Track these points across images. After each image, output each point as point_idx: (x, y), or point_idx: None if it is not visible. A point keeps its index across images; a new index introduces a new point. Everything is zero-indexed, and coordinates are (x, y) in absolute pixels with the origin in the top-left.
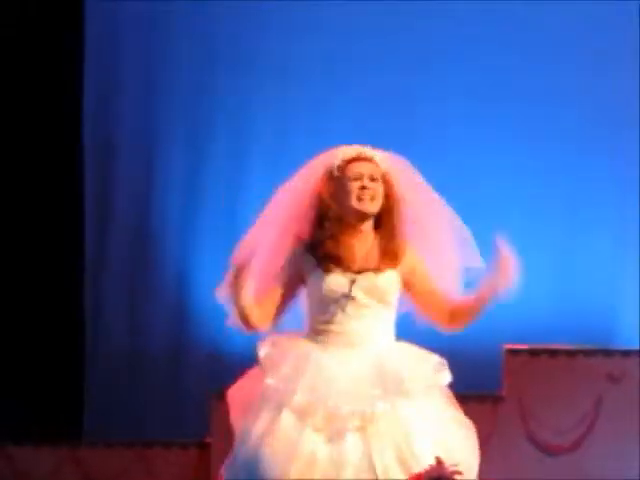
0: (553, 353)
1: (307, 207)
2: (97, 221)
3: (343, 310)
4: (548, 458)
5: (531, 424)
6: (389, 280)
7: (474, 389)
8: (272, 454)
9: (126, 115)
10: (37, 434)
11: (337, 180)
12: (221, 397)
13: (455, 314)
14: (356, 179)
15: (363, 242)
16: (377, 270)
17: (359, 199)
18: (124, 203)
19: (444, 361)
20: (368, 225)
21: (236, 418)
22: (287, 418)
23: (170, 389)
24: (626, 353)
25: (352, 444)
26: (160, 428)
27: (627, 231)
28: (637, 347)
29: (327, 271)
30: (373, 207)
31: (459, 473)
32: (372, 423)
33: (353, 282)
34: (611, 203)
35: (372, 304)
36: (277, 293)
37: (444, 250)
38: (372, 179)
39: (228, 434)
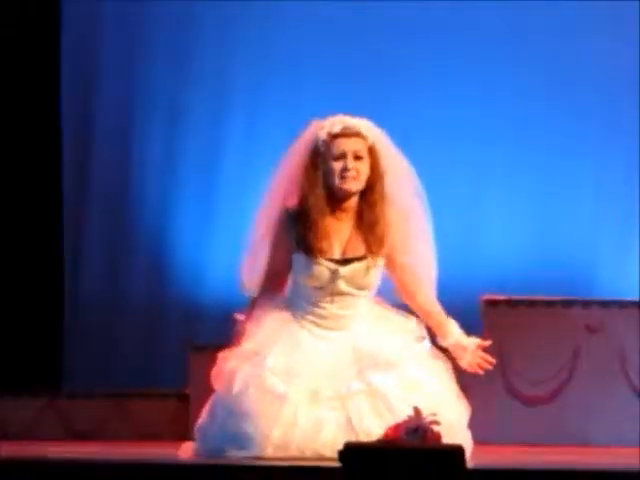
0: (531, 304)
1: (295, 180)
2: (76, 173)
3: (323, 298)
4: (526, 408)
5: (510, 375)
6: (372, 269)
7: None
8: (257, 410)
9: (106, 78)
10: (16, 384)
11: (322, 156)
12: (199, 349)
13: (420, 314)
14: (339, 158)
15: (347, 222)
16: (361, 259)
17: (342, 179)
18: (104, 156)
19: (422, 329)
20: (352, 202)
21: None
22: (270, 377)
23: (149, 340)
24: (604, 304)
25: (332, 413)
26: (139, 379)
27: (606, 182)
28: (616, 298)
29: (309, 257)
30: (356, 186)
31: (437, 423)
32: (350, 401)
33: (335, 274)
34: (591, 156)
35: (354, 292)
36: (279, 263)
37: (420, 234)
38: (356, 157)
39: (206, 385)
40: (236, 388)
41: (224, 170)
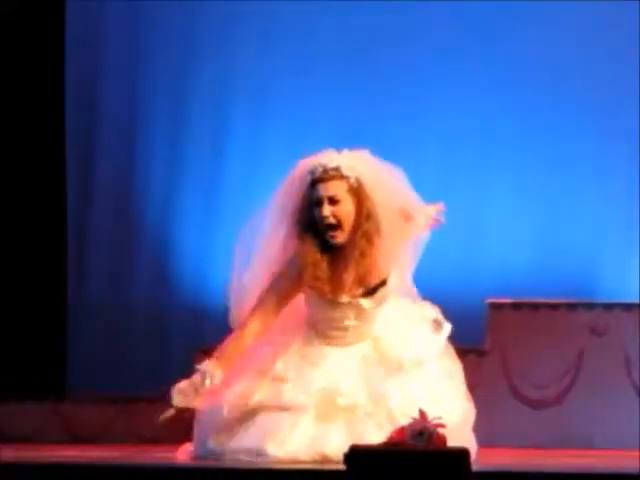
0: (536, 306)
1: (293, 223)
2: (80, 178)
3: (341, 327)
4: (531, 411)
5: (514, 378)
6: (383, 293)
7: (457, 343)
8: (274, 428)
9: (109, 78)
10: (21, 389)
11: (310, 204)
12: (205, 353)
13: None
14: (318, 205)
15: (351, 257)
16: (370, 293)
17: (324, 230)
18: (107, 157)
19: (439, 316)
20: (351, 238)
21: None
22: (287, 392)
23: (154, 345)
24: (608, 306)
25: (339, 427)
26: (144, 383)
27: (609, 186)
28: (619, 301)
29: (321, 299)
30: (340, 237)
31: (442, 426)
32: (360, 407)
33: (358, 308)
34: (593, 160)
35: (370, 312)
36: (272, 302)
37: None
38: (333, 201)
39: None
40: (252, 402)
41: (228, 172)
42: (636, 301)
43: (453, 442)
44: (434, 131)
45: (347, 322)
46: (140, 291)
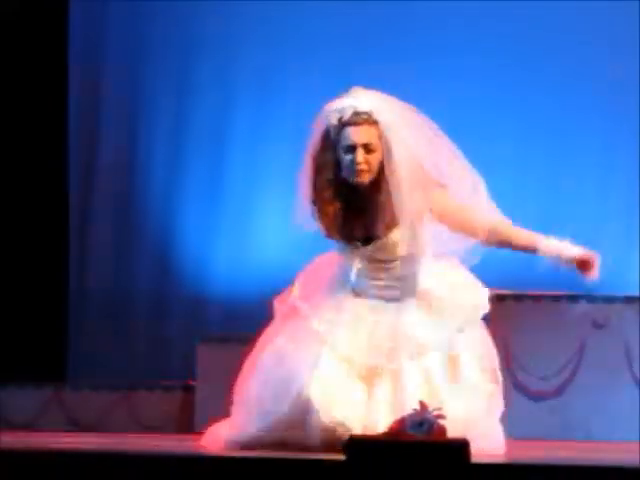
0: (537, 298)
1: (314, 169)
2: (82, 167)
3: (368, 274)
4: (531, 403)
5: (515, 369)
6: (401, 240)
7: None
8: (321, 394)
9: (111, 70)
10: (21, 375)
11: (335, 144)
12: (205, 341)
13: (496, 235)
14: (349, 150)
15: (375, 201)
16: (388, 231)
17: (352, 172)
18: (109, 147)
19: (483, 299)
20: (371, 183)
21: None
22: (330, 361)
23: (154, 333)
24: (609, 299)
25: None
26: (144, 371)
27: (609, 178)
28: (620, 293)
29: (345, 245)
30: (368, 177)
31: (442, 417)
32: (398, 377)
33: (361, 251)
34: (594, 152)
35: (395, 261)
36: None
37: (462, 179)
38: (368, 150)
39: (212, 377)
40: (304, 362)
41: (229, 166)
42: (636, 294)
43: (476, 430)
44: (437, 120)
45: (376, 256)
46: (142, 280)
